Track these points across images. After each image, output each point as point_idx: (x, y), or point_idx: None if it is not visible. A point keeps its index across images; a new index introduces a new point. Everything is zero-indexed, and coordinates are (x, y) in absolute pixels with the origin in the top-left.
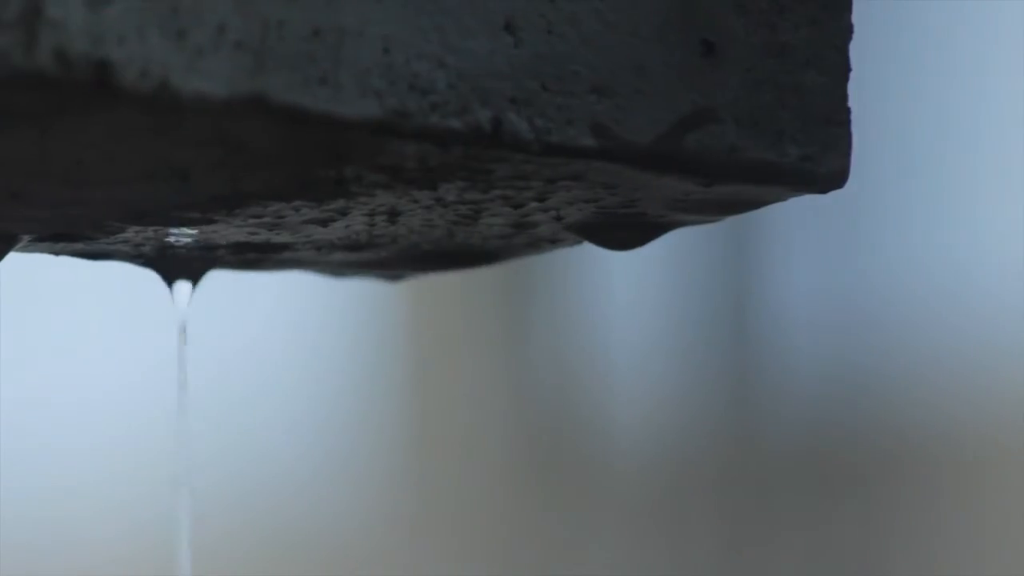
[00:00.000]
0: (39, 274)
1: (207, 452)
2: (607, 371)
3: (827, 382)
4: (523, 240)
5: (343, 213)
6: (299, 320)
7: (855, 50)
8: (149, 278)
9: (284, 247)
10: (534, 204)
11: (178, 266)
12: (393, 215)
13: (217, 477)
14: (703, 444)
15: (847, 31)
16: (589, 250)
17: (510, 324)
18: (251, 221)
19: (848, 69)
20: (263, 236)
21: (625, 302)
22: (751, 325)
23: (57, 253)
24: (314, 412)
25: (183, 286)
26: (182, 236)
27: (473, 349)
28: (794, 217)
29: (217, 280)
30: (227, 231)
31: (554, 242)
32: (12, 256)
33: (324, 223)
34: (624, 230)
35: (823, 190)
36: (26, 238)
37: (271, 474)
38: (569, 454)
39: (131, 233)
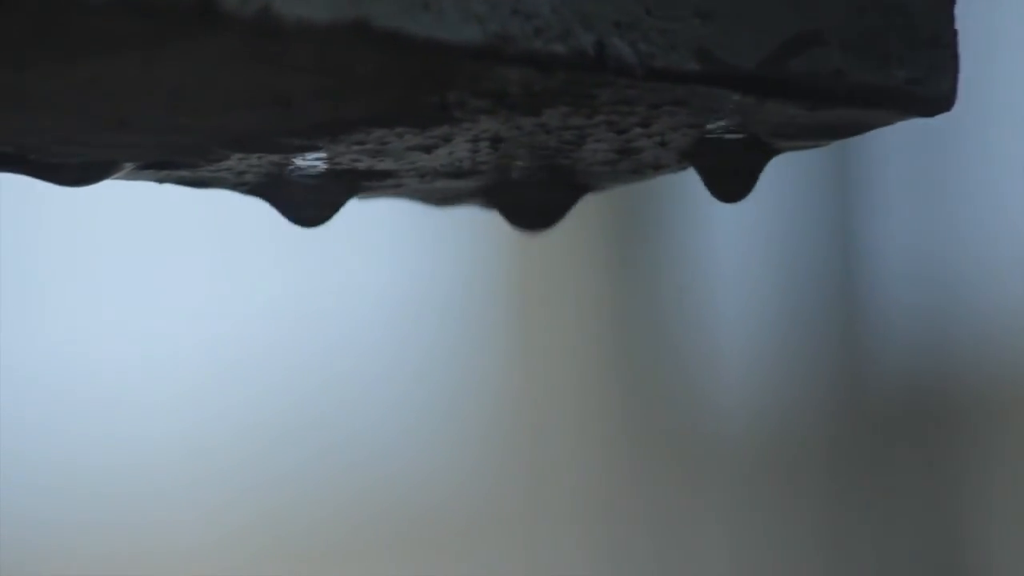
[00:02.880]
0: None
1: (301, 403)
2: (711, 323)
3: (936, 330)
4: (627, 166)
5: (446, 139)
6: (402, 276)
7: None
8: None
9: (387, 174)
10: (638, 129)
11: (282, 193)
12: (496, 141)
13: (313, 431)
14: (810, 397)
15: None
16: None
17: (614, 280)
18: (354, 148)
19: None
20: (366, 163)
21: (728, 261)
22: (856, 274)
23: (161, 181)
24: (417, 361)
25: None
26: (287, 163)
27: (576, 311)
28: (900, 160)
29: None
30: (330, 158)
31: (658, 168)
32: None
33: (427, 150)
34: (729, 157)
35: (930, 113)
36: (129, 165)
37: (369, 430)
38: (674, 408)
39: (234, 161)
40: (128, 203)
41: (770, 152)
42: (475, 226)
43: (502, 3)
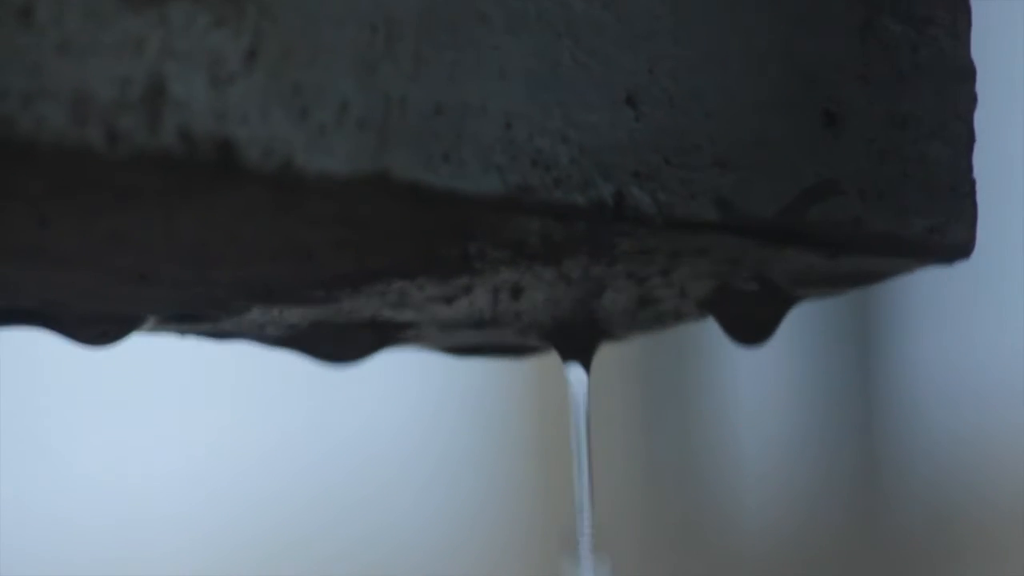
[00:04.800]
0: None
1: (328, 533)
2: (734, 455)
3: (959, 462)
4: (648, 315)
5: (467, 290)
6: (422, 402)
7: (979, 119)
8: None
9: (408, 325)
10: (658, 279)
11: (303, 346)
12: (517, 291)
13: (333, 556)
14: (831, 528)
15: (971, 101)
16: (715, 335)
17: (636, 410)
18: (375, 299)
19: (972, 139)
20: (387, 314)
21: (750, 386)
22: (878, 403)
23: (183, 334)
24: (439, 494)
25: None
26: (306, 316)
27: (599, 436)
28: (920, 288)
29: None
30: (352, 310)
31: (678, 317)
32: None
33: (448, 300)
34: (749, 306)
35: (949, 261)
36: (152, 319)
37: (391, 554)
38: (697, 540)
39: (256, 313)
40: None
41: (791, 300)
42: (494, 366)
43: (522, 154)
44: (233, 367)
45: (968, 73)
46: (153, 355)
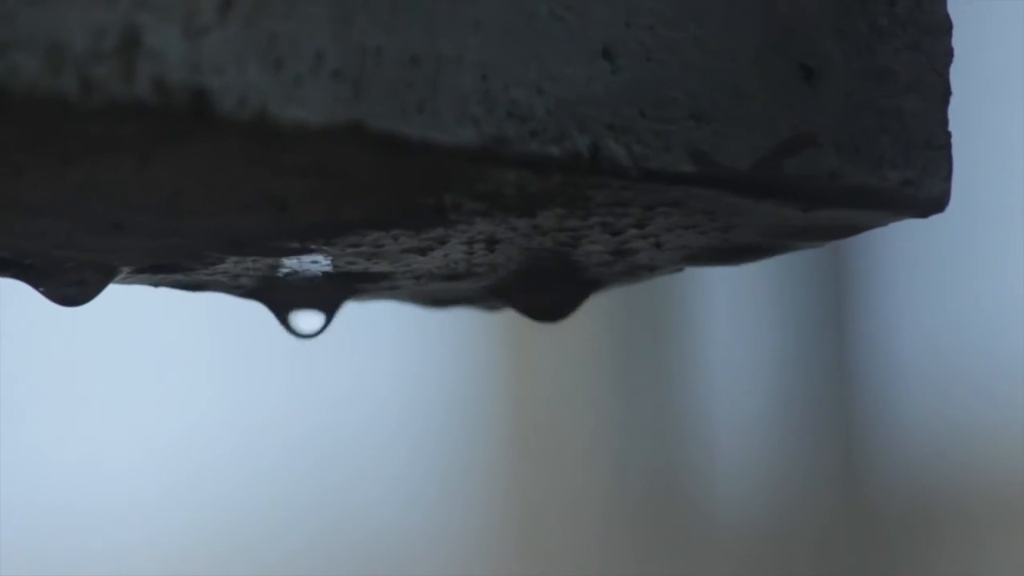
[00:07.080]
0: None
1: (302, 499)
2: (709, 423)
3: (936, 429)
4: (622, 268)
5: (442, 242)
6: (399, 370)
7: (955, 74)
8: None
9: (383, 276)
10: (633, 231)
11: (278, 296)
12: (492, 243)
13: (309, 530)
14: (807, 496)
15: (947, 55)
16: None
17: (612, 378)
18: (349, 251)
19: (948, 93)
20: (361, 266)
21: (727, 356)
22: (855, 372)
23: (156, 284)
24: (414, 466)
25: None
26: (279, 266)
27: (574, 406)
28: (900, 255)
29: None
30: (326, 261)
31: (653, 269)
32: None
33: (423, 252)
34: (725, 256)
35: (924, 214)
36: (126, 269)
37: (368, 531)
38: (672, 508)
39: (230, 264)
40: (122, 309)
41: (765, 252)
42: (472, 321)
43: (498, 105)
44: (208, 351)
45: (944, 27)
46: (122, 335)
